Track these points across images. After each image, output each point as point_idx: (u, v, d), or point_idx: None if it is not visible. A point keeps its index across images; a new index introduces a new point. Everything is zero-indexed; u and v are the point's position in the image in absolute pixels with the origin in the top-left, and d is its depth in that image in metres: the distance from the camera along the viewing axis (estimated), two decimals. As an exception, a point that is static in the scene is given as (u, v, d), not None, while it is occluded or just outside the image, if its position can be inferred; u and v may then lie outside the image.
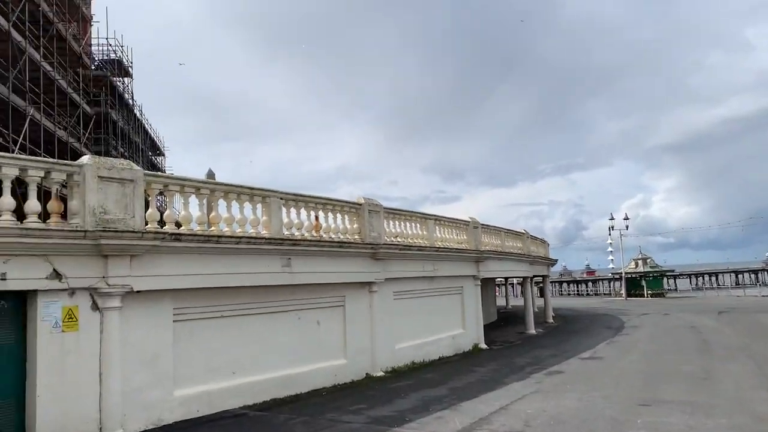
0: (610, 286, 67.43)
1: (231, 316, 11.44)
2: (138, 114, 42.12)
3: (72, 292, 8.73)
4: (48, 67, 25.15)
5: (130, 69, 39.32)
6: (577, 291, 72.18)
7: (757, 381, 12.35)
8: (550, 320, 31.14)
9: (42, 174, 8.72)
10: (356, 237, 14.73)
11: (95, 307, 9.01)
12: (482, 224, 21.34)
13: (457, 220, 20.07)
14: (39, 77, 24.04)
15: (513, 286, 60.50)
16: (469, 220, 20.55)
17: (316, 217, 13.81)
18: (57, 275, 8.54)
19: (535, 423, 9.33)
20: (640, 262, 57.45)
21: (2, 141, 21.07)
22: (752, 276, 79.94)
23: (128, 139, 38.94)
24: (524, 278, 28.54)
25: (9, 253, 8.08)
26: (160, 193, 10.80)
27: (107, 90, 34.02)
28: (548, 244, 35.37)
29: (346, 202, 14.72)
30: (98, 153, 26.26)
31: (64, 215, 9.13)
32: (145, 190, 9.93)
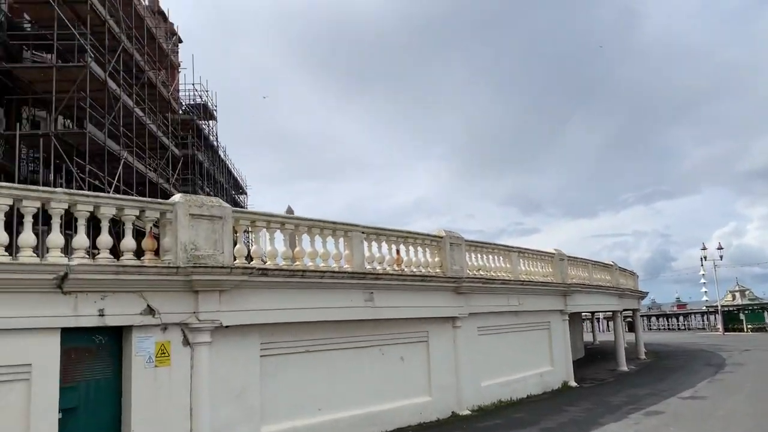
0: (703, 320, 63.43)
1: (315, 351, 11.37)
2: (222, 154, 43.84)
3: (164, 327, 8.90)
4: (140, 113, 26.60)
5: (214, 112, 41.13)
6: (668, 325, 68.35)
7: None
8: (643, 356, 29.47)
9: (137, 213, 9.02)
10: (438, 270, 14.46)
11: (186, 342, 9.14)
12: (568, 256, 20.57)
13: (541, 252, 19.43)
14: (132, 122, 25.44)
15: (599, 321, 58.00)
16: (554, 252, 19.85)
17: (398, 251, 13.66)
18: (151, 311, 8.73)
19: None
20: (737, 294, 53.87)
21: (98, 183, 22.29)
22: None
23: (213, 178, 40.51)
24: (614, 312, 27.23)
25: (106, 289, 8.33)
26: (245, 230, 10.98)
27: (194, 132, 35.63)
28: (637, 276, 33.75)
29: (427, 235, 14.52)
30: (185, 192, 27.36)
31: (156, 252, 9.38)
32: (232, 227, 10.11)
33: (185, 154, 33.66)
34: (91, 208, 8.45)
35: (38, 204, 8.01)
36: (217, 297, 9.49)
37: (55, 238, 8.08)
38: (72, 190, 8.70)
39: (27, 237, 7.88)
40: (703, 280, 56.90)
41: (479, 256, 16.43)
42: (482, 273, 16.20)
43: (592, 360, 28.99)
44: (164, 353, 8.85)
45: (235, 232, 10.38)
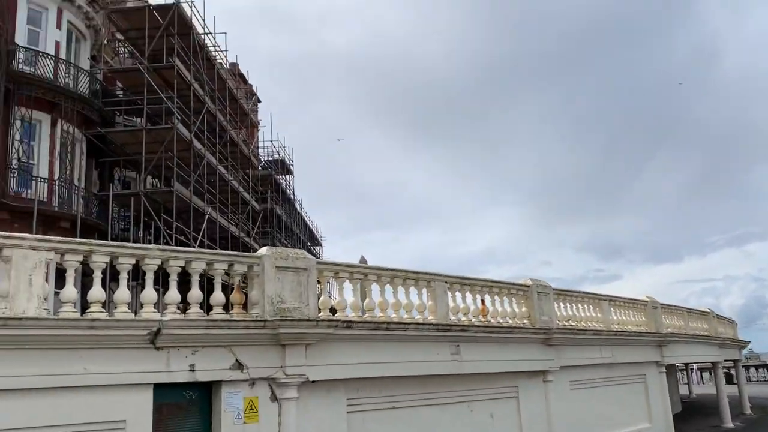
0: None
1: (401, 407, 10.98)
2: (298, 207, 44.80)
3: (252, 382, 8.80)
4: (223, 170, 27.59)
5: (291, 167, 42.28)
6: (769, 377, 63.22)
7: None
8: (748, 411, 27.14)
9: (226, 267, 9.09)
10: (525, 321, 13.86)
11: (273, 397, 9.00)
12: (661, 304, 19.39)
13: (633, 300, 18.41)
14: (215, 179, 26.39)
15: (693, 372, 54.29)
16: (647, 299, 18.77)
17: (483, 301, 13.21)
18: (239, 365, 8.67)
19: None
20: None
21: (184, 238, 23.05)
22: None
23: (290, 231, 41.32)
24: (713, 363, 25.36)
25: (197, 344, 8.35)
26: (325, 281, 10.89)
27: (272, 187, 36.64)
28: (736, 324, 31.48)
29: (512, 284, 14.01)
30: (265, 246, 27.90)
31: (244, 306, 9.39)
32: (316, 278, 10.04)
33: (264, 208, 34.56)
34: (182, 264, 8.59)
35: (133, 261, 8.19)
36: (303, 351, 9.35)
37: (149, 293, 8.22)
38: (165, 246, 8.90)
39: (122, 293, 8.05)
40: (809, 328, 52.42)
41: (567, 305, 15.71)
42: (572, 323, 15.44)
43: (690, 415, 26.93)
44: (252, 409, 8.73)
45: (319, 283, 10.31)
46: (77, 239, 8.30)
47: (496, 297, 13.53)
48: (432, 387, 11.50)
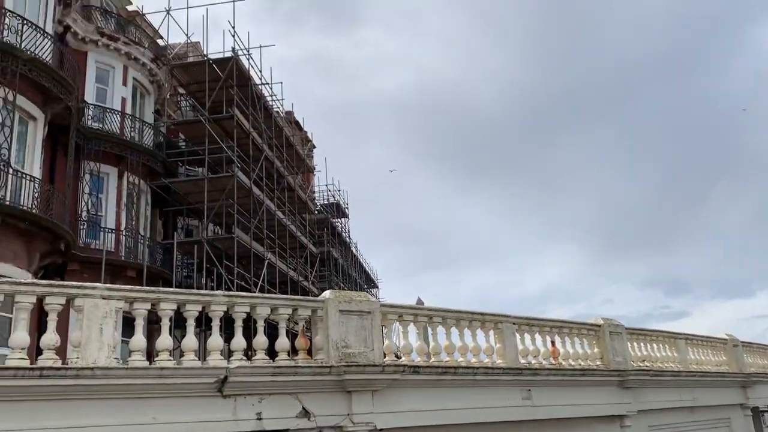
0: None
1: (472, 456, 10.49)
2: (354, 250, 44.96)
3: (319, 430, 8.56)
4: (281, 216, 27.98)
5: (346, 210, 42.68)
6: None
7: None
8: None
9: (290, 311, 9.00)
10: (599, 363, 13.19)
11: (341, 446, 8.73)
12: (742, 342, 18.22)
13: (711, 338, 17.37)
14: (274, 225, 26.75)
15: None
16: (727, 337, 17.67)
17: (552, 343, 12.65)
18: (306, 413, 8.46)
19: None
20: None
21: (244, 284, 23.29)
22: None
23: (347, 274, 41.41)
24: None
25: (263, 392, 8.21)
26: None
27: (328, 230, 36.94)
28: (825, 363, 29.27)
29: (583, 323, 13.41)
30: (322, 289, 27.97)
31: (308, 352, 9.24)
32: (380, 322, 9.81)
33: (321, 251, 34.80)
34: (247, 309, 8.54)
35: (199, 307, 8.19)
36: (370, 398, 9.07)
37: (215, 340, 8.18)
38: (230, 293, 8.89)
39: (190, 341, 8.02)
40: None
41: (641, 344, 14.91)
42: (647, 364, 14.61)
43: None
44: (320, 459, 8.46)
45: (383, 327, 10.08)
46: (145, 287, 8.37)
47: (566, 338, 12.95)
48: (503, 434, 10.97)
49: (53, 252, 17.23)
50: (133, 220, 21.88)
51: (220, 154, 23.47)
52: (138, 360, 7.53)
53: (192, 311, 8.10)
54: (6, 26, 16.24)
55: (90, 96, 21.45)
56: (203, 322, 8.97)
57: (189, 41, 26.88)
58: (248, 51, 26.33)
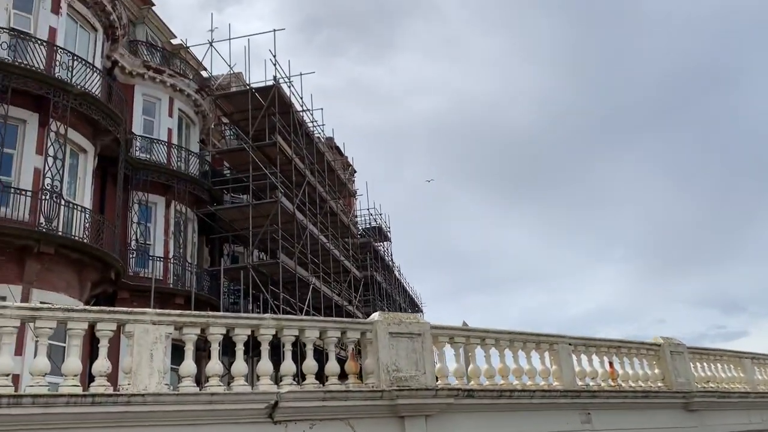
0: None
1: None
2: (397, 274, 44.65)
3: (372, 457, 8.30)
4: (324, 240, 27.99)
5: (388, 233, 42.52)
6: None
7: None
8: None
9: (338, 334, 8.81)
10: (660, 384, 12.58)
11: (395, 474, 8.43)
12: (813, 360, 17.17)
13: (778, 357, 16.42)
14: (318, 249, 26.76)
15: None
16: (797, 356, 16.68)
17: (611, 364, 12.12)
18: (357, 440, 8.21)
19: None
20: None
21: (289, 309, 23.26)
22: None
23: (391, 298, 41.08)
24: None
25: (313, 417, 8.01)
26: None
27: (371, 254, 36.81)
28: None
29: (642, 343, 12.85)
30: (367, 314, 27.75)
31: (358, 375, 9.01)
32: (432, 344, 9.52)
33: (365, 275, 34.63)
34: (296, 332, 8.39)
35: (248, 331, 8.09)
36: (423, 423, 8.76)
37: (265, 365, 8.03)
38: (278, 316, 8.78)
39: (239, 366, 7.91)
40: None
41: (705, 365, 14.18)
42: (712, 385, 13.87)
43: None
44: (374, 488, 8.18)
45: (435, 349, 9.78)
46: (194, 312, 8.33)
47: (624, 358, 12.40)
48: (563, 461, 10.48)
49: (104, 281, 17.51)
50: (181, 248, 22.16)
51: (263, 180, 23.68)
52: (188, 386, 7.44)
53: (241, 335, 8.00)
54: (57, 62, 16.78)
55: (137, 128, 21.97)
56: (250, 349, 8.85)
57: (231, 72, 27.42)
58: (289, 79, 26.73)
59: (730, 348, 15.88)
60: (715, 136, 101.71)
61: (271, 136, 24.38)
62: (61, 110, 15.91)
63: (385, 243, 42.66)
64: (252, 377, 8.87)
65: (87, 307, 8.52)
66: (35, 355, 6.92)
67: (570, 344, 11.30)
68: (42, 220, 15.14)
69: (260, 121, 24.49)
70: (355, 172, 44.36)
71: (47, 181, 15.50)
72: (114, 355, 7.58)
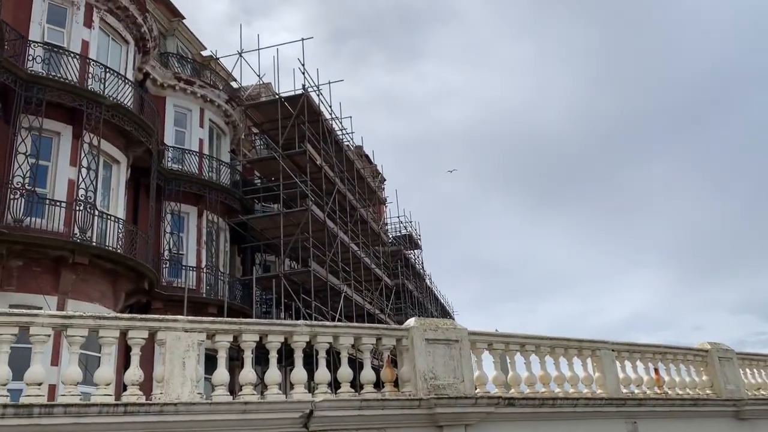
0: None
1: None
2: (428, 282, 44.27)
3: (410, 469, 8.01)
4: (355, 248, 27.81)
5: (419, 241, 42.19)
6: None
7: None
8: None
9: (373, 341, 8.57)
10: (709, 392, 12.02)
11: (434, 486, 8.13)
12: None
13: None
14: (349, 257, 26.59)
15: None
16: None
17: (656, 370, 11.63)
18: (397, 450, 7.94)
19: None
20: None
21: (321, 317, 23.09)
22: None
23: (422, 306, 40.69)
24: None
25: (349, 426, 7.78)
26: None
27: (402, 262, 36.51)
28: None
29: (689, 349, 12.32)
30: (399, 322, 27.43)
31: (395, 383, 8.75)
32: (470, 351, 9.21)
33: (396, 283, 34.34)
34: (330, 339, 8.17)
35: (282, 338, 7.89)
36: (463, 432, 8.46)
37: (299, 373, 7.82)
38: (312, 322, 8.57)
39: (273, 374, 7.71)
40: None
41: (754, 371, 13.55)
42: (763, 392, 13.23)
43: None
44: (412, 500, 7.89)
45: (473, 356, 9.46)
46: (227, 318, 8.18)
47: (670, 365, 11.90)
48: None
49: (138, 291, 17.58)
50: (213, 258, 22.20)
51: (294, 189, 23.63)
52: (221, 395, 7.27)
53: (274, 342, 7.81)
54: (90, 75, 16.97)
55: (169, 138, 22.14)
56: (283, 357, 8.67)
57: (261, 82, 27.54)
58: (318, 87, 26.70)
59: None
60: (752, 138, 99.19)
61: (300, 144, 24.35)
62: (94, 122, 16.06)
63: (415, 251, 42.35)
64: (285, 386, 8.68)
65: (118, 314, 8.43)
66: (68, 364, 6.82)
67: (613, 350, 10.87)
68: (76, 230, 15.24)
69: (290, 130, 24.47)
70: (385, 180, 44.19)
71: (81, 192, 15.63)
72: (148, 365, 7.45)
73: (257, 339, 7.71)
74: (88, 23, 17.82)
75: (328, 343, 8.19)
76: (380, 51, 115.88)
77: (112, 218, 16.89)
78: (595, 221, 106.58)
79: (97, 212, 15.99)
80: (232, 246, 24.25)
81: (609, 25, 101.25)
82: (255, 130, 28.14)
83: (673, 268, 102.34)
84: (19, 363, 6.57)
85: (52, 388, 11.66)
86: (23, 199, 14.85)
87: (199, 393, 7.15)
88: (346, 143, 30.44)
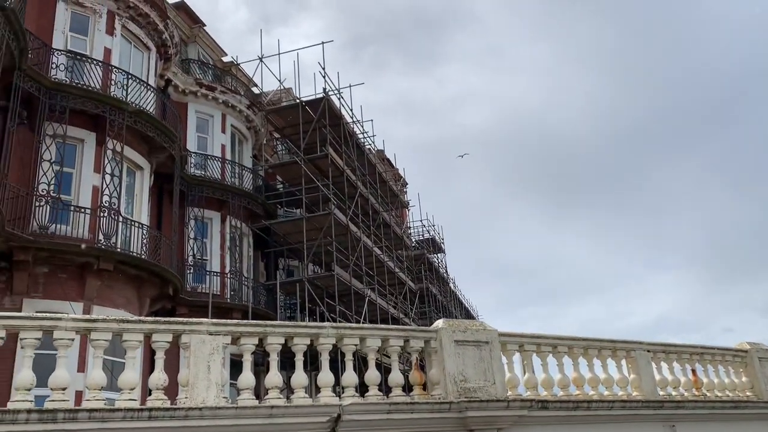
0: None
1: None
2: (451, 285, 43.88)
3: (442, 474, 7.76)
4: (378, 252, 27.61)
5: (442, 245, 41.86)
6: None
7: None
8: None
9: (401, 343, 8.35)
10: (749, 394, 11.58)
11: (467, 492, 7.87)
12: None
13: None
14: (372, 261, 26.41)
15: None
16: None
17: (693, 371, 11.22)
18: (426, 455, 7.70)
19: None
20: None
21: (346, 321, 22.91)
22: None
23: (446, 310, 40.32)
24: None
25: (377, 430, 7.57)
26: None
27: (425, 266, 36.21)
28: None
29: (727, 349, 11.88)
30: (424, 326, 27.14)
31: (423, 386, 8.52)
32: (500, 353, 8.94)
33: (419, 287, 34.06)
34: (357, 341, 7.97)
35: (308, 341, 7.71)
36: (495, 436, 8.19)
37: (326, 376, 7.63)
38: (338, 324, 8.39)
39: (299, 377, 7.54)
40: None
41: (796, 372, 13.02)
42: (806, 394, 12.70)
43: None
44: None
45: (504, 358, 9.18)
46: (252, 321, 8.03)
47: (708, 366, 11.48)
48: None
49: (162, 297, 17.58)
50: (237, 263, 22.18)
51: (316, 193, 23.53)
52: (247, 399, 7.11)
53: (300, 345, 7.63)
54: (113, 81, 17.06)
55: (191, 144, 22.19)
56: (308, 362, 8.48)
57: (282, 87, 27.55)
58: (338, 91, 26.61)
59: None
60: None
61: (322, 148, 24.26)
62: (117, 128, 16.11)
63: (439, 255, 42.02)
64: (312, 390, 8.50)
65: (142, 318, 8.32)
66: (92, 369, 6.71)
67: (648, 351, 10.50)
68: (101, 237, 15.27)
69: (311, 134, 24.40)
70: (407, 183, 43.96)
71: (105, 198, 15.67)
72: (174, 369, 7.32)
73: (282, 342, 7.54)
74: (110, 31, 17.93)
75: (355, 345, 7.99)
76: (399, 56, 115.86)
77: (136, 224, 16.93)
78: (618, 223, 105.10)
79: (121, 218, 16.02)
80: (256, 251, 24.22)
81: (627, 24, 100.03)
82: (276, 135, 28.14)
83: (699, 270, 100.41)
84: (47, 371, 6.48)
85: (79, 395, 11.62)
86: (48, 206, 14.91)
87: (224, 397, 7.00)
88: (367, 147, 30.30)
